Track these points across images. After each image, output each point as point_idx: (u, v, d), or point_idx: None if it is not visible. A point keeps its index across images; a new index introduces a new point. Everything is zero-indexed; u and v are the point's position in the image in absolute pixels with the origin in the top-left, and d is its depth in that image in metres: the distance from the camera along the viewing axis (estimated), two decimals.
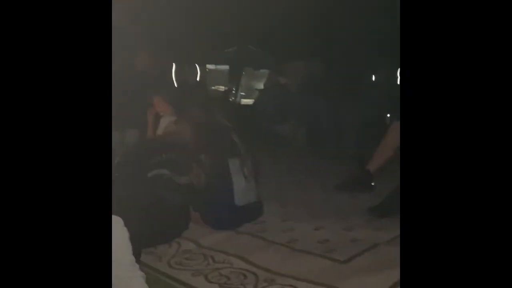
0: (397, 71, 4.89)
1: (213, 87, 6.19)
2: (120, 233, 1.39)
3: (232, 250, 1.91)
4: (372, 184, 2.86)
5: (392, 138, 2.76)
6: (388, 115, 4.16)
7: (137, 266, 1.41)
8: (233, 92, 6.18)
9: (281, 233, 2.11)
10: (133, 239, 1.42)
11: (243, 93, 6.86)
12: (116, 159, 1.45)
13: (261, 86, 5.64)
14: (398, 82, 4.83)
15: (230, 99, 5.85)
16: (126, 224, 1.41)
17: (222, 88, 6.28)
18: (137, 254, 1.46)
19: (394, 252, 1.79)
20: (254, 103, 5.42)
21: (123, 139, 2.94)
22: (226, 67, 6.61)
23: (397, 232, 2.15)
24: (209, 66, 6.29)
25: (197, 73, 4.04)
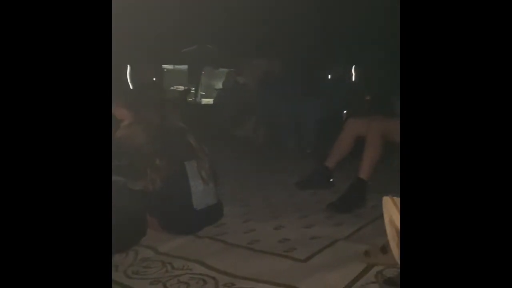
0: (352, 68, 5.00)
1: (172, 88, 6.08)
2: None
3: (191, 255, 1.87)
4: (331, 180, 2.90)
5: (348, 134, 2.81)
6: (344, 111, 4.23)
7: None
8: (193, 92, 6.11)
9: (242, 235, 2.10)
10: None
11: (203, 93, 6.79)
12: None
13: (220, 85, 5.60)
14: (353, 79, 4.94)
15: (190, 99, 5.77)
16: None
17: (181, 88, 6.18)
18: None
19: (353, 248, 1.82)
20: (214, 102, 5.38)
21: None
22: (185, 66, 6.51)
23: (355, 227, 2.20)
24: (166, 66, 6.18)
25: (152, 74, 3.94)
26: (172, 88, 5.92)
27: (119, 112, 2.41)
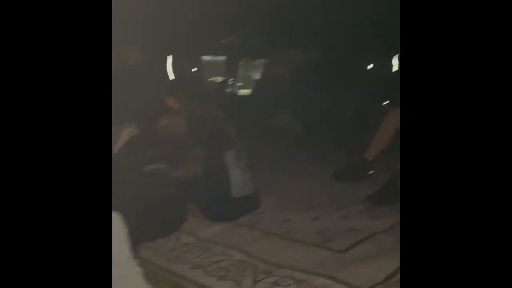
0: (395, 58, 4.86)
1: (209, 79, 6.14)
2: (117, 229, 1.38)
3: (230, 242, 1.92)
4: (370, 172, 2.86)
5: (389, 126, 2.76)
6: (385, 102, 4.14)
7: (135, 261, 1.41)
8: (230, 83, 6.15)
9: (279, 224, 2.12)
10: (131, 234, 1.42)
11: (240, 84, 6.83)
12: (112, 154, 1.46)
13: (257, 76, 5.60)
14: (396, 69, 4.80)
15: (227, 91, 5.82)
16: (123, 220, 1.41)
17: (219, 79, 6.24)
18: (135, 249, 1.46)
19: (392, 241, 1.80)
20: (251, 93, 5.40)
21: (118, 133, 2.93)
22: (222, 58, 6.56)
23: (394, 220, 2.17)
24: (205, 58, 6.24)
25: (192, 66, 4.01)
26: (210, 79, 5.98)
27: (168, 102, 2.49)
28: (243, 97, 6.00)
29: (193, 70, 4.05)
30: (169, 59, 4.14)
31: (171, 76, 4.08)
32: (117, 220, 1.38)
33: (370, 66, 4.95)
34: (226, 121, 2.32)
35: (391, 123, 2.74)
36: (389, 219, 2.14)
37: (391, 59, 4.93)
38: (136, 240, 1.47)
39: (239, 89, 6.81)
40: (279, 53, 5.24)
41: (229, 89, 6.09)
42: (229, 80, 6.21)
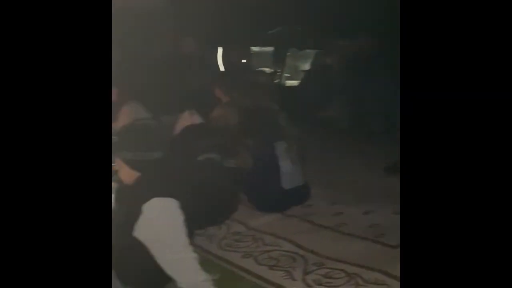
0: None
1: (257, 69, 6.13)
2: (175, 215, 1.43)
3: (280, 232, 1.93)
4: None
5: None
6: None
7: (191, 247, 1.46)
8: (278, 74, 6.13)
9: (330, 217, 2.11)
10: (186, 221, 1.46)
11: (288, 75, 6.78)
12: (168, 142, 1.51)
13: (305, 67, 5.53)
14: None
15: (275, 81, 5.80)
16: (179, 206, 1.45)
17: (267, 70, 6.23)
18: (190, 236, 1.50)
19: None
20: (299, 84, 5.35)
21: (171, 122, 3.02)
22: (270, 48, 6.54)
23: None
24: (253, 49, 6.25)
25: (242, 56, 4.03)
26: (258, 69, 5.98)
27: (217, 93, 2.53)
28: (291, 88, 5.96)
29: (243, 61, 4.06)
30: (220, 50, 4.18)
31: (221, 67, 4.13)
32: (174, 206, 1.43)
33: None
34: (277, 112, 2.32)
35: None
36: None
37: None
38: (190, 227, 1.50)
39: (287, 79, 6.76)
40: (329, 43, 5.14)
41: (277, 80, 6.07)
42: (278, 71, 6.18)
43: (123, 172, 1.51)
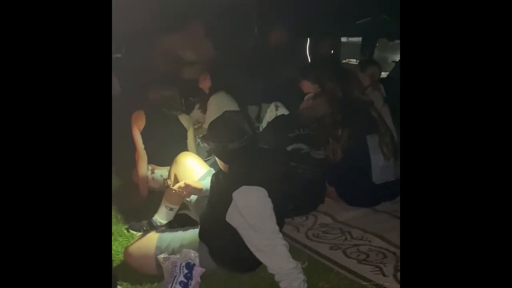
0: None
1: (344, 61, 6.01)
2: (264, 203, 1.46)
3: (369, 227, 1.89)
4: None
5: None
6: None
7: (281, 235, 1.49)
8: None
9: None
10: (275, 209, 1.49)
11: None
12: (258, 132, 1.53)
13: (396, 57, 5.28)
14: None
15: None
16: (268, 195, 1.48)
17: (354, 61, 6.07)
18: (280, 223, 1.53)
19: None
20: (389, 76, 5.13)
21: (262, 114, 3.08)
22: (358, 39, 6.35)
23: None
24: (342, 39, 6.10)
25: (331, 47, 3.95)
26: (344, 61, 5.85)
27: (305, 85, 2.52)
28: (382, 79, 5.73)
29: (331, 51, 3.99)
30: (308, 41, 4.15)
31: (309, 59, 4.10)
32: (262, 195, 1.47)
33: None
34: (369, 103, 2.26)
35: None
36: None
37: None
38: (279, 216, 1.53)
39: None
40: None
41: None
42: None
43: (219, 161, 1.59)
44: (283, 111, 2.52)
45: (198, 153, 2.36)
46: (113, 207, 2.15)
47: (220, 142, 1.53)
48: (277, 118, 2.41)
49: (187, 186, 1.75)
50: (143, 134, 2.26)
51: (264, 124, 2.59)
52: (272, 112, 2.59)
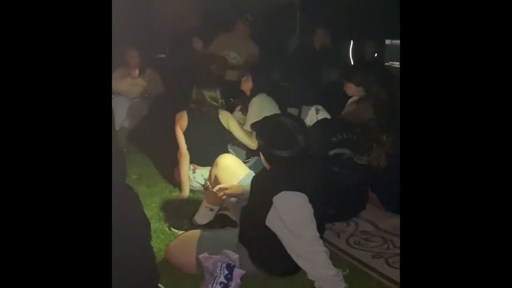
0: None
1: (387, 63, 5.86)
2: (304, 209, 1.44)
3: None
4: None
5: None
6: None
7: (321, 241, 1.46)
8: None
9: None
10: (315, 215, 1.46)
11: None
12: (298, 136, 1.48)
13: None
14: None
15: None
16: (308, 200, 1.45)
17: (397, 64, 5.91)
18: (321, 229, 1.51)
19: None
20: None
21: (302, 116, 3.06)
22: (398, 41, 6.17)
23: None
24: (385, 42, 5.97)
25: (374, 50, 3.87)
26: (387, 64, 5.71)
27: (348, 88, 2.48)
28: None
29: (375, 55, 3.91)
30: (351, 44, 4.08)
31: (352, 61, 4.03)
32: (303, 200, 1.44)
33: None
34: None
35: None
36: None
37: None
38: (320, 222, 1.51)
39: None
40: None
41: None
42: None
43: (262, 158, 1.58)
44: (324, 114, 2.48)
45: (238, 154, 2.37)
46: (155, 205, 2.21)
47: (269, 144, 1.51)
48: (319, 121, 2.38)
49: (225, 189, 1.77)
50: (185, 134, 2.30)
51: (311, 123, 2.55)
52: (313, 115, 2.57)
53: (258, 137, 1.56)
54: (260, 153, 1.60)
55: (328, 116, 2.47)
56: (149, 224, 1.24)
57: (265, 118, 1.63)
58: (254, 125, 1.62)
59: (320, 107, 2.59)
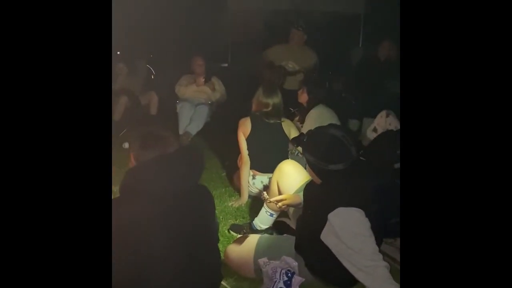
0: None
1: None
2: (362, 224, 1.41)
3: None
4: None
5: None
6: None
7: (381, 255, 1.43)
8: None
9: None
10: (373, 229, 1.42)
11: None
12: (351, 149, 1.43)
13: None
14: None
15: None
16: (366, 215, 1.42)
17: None
18: (379, 244, 1.47)
19: None
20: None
21: (363, 128, 3.02)
22: None
23: None
24: None
25: None
26: None
27: None
28: None
29: None
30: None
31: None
32: (360, 216, 1.40)
33: None
34: None
35: None
36: None
37: None
38: (377, 236, 1.46)
39: None
40: None
41: None
42: None
43: (311, 172, 1.55)
44: (392, 120, 2.42)
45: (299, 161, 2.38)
46: (216, 208, 2.26)
47: (321, 160, 1.46)
48: (384, 133, 2.33)
49: (283, 200, 1.76)
50: (248, 140, 2.35)
51: (368, 136, 2.52)
52: (382, 117, 2.51)
53: (306, 152, 1.51)
54: (308, 168, 1.56)
55: (398, 121, 2.41)
56: (218, 226, 1.28)
57: (315, 129, 1.59)
58: (302, 136, 1.57)
59: (391, 111, 2.54)
